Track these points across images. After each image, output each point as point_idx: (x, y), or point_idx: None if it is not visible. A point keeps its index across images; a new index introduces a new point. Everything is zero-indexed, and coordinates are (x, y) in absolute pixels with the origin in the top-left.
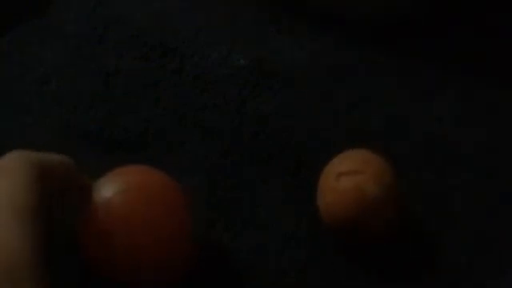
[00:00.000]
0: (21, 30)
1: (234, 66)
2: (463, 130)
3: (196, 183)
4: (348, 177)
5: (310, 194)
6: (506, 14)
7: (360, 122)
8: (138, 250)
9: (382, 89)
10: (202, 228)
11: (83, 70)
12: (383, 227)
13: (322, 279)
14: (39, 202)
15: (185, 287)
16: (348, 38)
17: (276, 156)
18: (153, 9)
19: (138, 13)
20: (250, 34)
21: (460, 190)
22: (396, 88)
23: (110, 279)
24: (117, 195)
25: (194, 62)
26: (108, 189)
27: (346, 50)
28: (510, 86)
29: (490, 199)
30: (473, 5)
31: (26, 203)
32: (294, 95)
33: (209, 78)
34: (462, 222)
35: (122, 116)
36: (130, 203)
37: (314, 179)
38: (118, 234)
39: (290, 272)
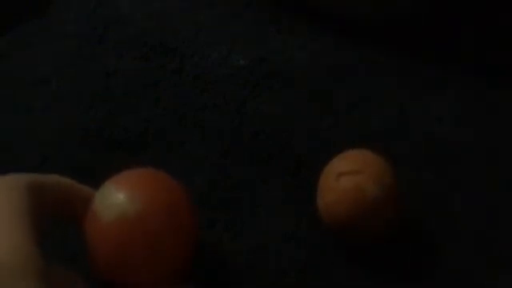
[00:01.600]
0: (21, 30)
1: (234, 66)
2: (463, 130)
3: (196, 183)
4: (348, 177)
5: (310, 194)
6: (506, 14)
7: (360, 122)
8: (146, 260)
9: (381, 89)
10: (201, 228)
11: (83, 70)
12: (383, 227)
13: (322, 279)
14: (33, 211)
15: (185, 287)
16: (348, 38)
17: (276, 156)
18: (153, 9)
19: (138, 13)
20: (250, 34)
21: (460, 190)
22: (396, 88)
23: (111, 281)
24: (131, 211)
25: (194, 62)
26: (121, 202)
27: (346, 50)
28: (510, 86)
29: (489, 199)
30: (473, 5)
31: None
32: (294, 95)
33: (209, 78)
34: (461, 222)
35: (122, 116)
36: (143, 218)
37: (314, 179)
38: (131, 245)
39: (289, 272)
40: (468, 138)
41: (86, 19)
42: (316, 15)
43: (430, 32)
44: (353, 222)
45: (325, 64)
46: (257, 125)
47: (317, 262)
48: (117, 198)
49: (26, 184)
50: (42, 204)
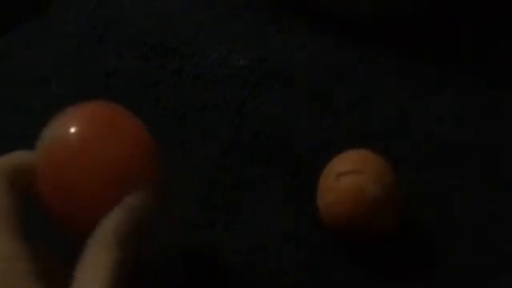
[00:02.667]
0: (21, 30)
1: (234, 66)
2: (463, 130)
3: (196, 183)
4: (348, 177)
5: (310, 194)
6: (506, 14)
7: (360, 122)
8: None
9: (381, 89)
10: (202, 228)
11: (83, 70)
12: (383, 227)
13: (322, 279)
14: (15, 210)
15: (185, 287)
16: (348, 38)
17: (276, 156)
18: (153, 9)
19: (138, 13)
20: (250, 34)
21: (460, 190)
22: (396, 88)
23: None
24: (71, 133)
25: (194, 62)
26: (62, 127)
27: (346, 50)
28: (509, 86)
29: (490, 199)
30: (473, 5)
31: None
32: (294, 95)
33: (209, 78)
34: (461, 222)
35: None
36: (83, 136)
37: (314, 179)
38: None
39: (290, 272)
40: (468, 138)
41: (86, 19)
42: (316, 15)
43: (430, 32)
44: (353, 222)
45: (325, 64)
46: (257, 125)
47: (317, 262)
48: (52, 129)
49: (4, 170)
50: (21, 189)
